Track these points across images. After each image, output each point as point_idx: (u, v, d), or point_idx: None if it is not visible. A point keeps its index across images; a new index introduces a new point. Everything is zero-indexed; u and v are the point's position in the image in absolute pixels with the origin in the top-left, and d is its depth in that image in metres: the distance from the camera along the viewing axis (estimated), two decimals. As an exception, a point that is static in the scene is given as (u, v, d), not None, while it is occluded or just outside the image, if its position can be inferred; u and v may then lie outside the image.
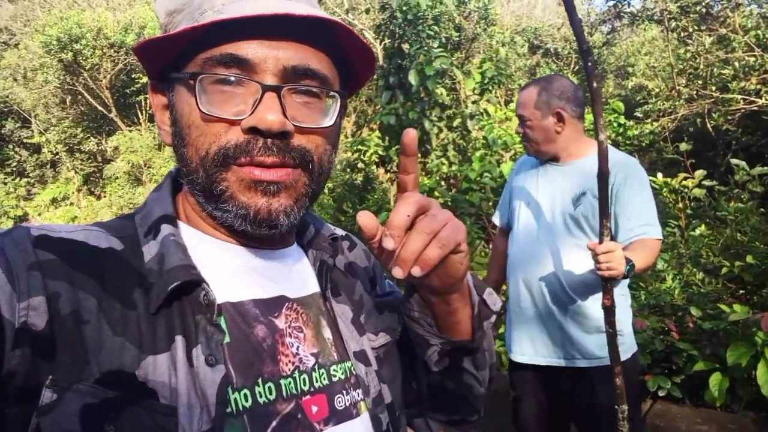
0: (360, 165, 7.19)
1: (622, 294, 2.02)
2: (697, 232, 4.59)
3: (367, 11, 8.45)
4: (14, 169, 17.47)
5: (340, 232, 0.84)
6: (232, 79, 0.57)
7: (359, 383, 0.68)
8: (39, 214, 16.26)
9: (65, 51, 14.56)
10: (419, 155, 5.08)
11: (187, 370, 0.55)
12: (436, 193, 4.97)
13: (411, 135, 0.58)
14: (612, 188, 1.89)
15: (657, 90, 9.74)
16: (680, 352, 3.07)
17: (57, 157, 17.20)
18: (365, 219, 0.55)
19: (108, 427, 0.50)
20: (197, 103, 0.57)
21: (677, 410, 3.05)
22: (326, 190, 9.68)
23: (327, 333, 0.69)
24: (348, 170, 8.76)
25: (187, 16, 0.60)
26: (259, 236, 0.62)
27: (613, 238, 1.92)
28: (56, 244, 0.56)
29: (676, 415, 3.01)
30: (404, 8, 5.08)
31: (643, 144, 8.46)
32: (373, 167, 7.33)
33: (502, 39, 12.02)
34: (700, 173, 4.99)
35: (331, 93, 0.62)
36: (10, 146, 17.47)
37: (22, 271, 0.52)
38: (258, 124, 0.57)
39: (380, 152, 5.71)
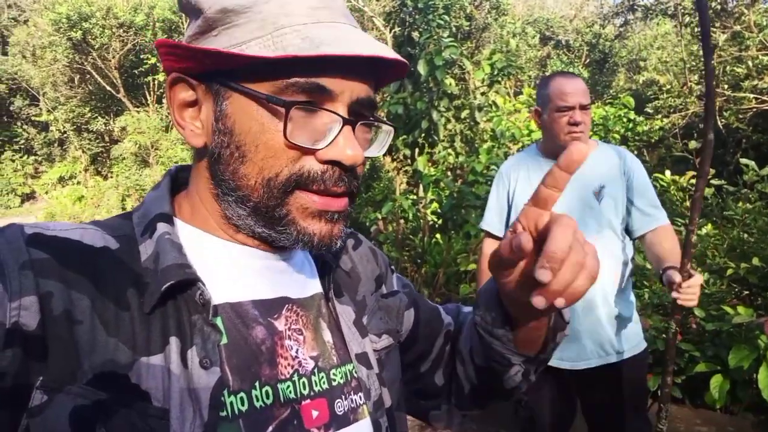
0: (366, 153, 7.16)
1: (627, 281, 2.04)
2: (704, 231, 4.56)
3: (378, -2, 8.38)
4: (22, 146, 17.55)
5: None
6: (316, 109, 0.58)
7: (360, 387, 0.67)
8: (46, 192, 16.35)
9: (74, 29, 14.53)
10: (426, 146, 5.06)
11: (181, 372, 0.54)
12: (442, 184, 4.96)
13: (583, 153, 0.55)
14: (627, 178, 1.99)
15: (668, 86, 9.65)
16: (682, 353, 3.06)
17: (65, 135, 17.25)
18: (525, 241, 0.54)
19: (99, 429, 0.49)
20: (285, 131, 0.56)
21: (677, 410, 3.05)
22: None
23: (327, 336, 0.68)
24: (354, 158, 8.75)
25: (248, 21, 0.57)
26: (263, 240, 0.63)
27: (628, 229, 2.00)
28: (50, 243, 0.55)
29: (675, 415, 3.01)
30: (415, -4, 5.03)
31: (653, 140, 8.40)
32: (380, 156, 7.32)
33: (513, 29, 11.92)
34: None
35: (385, 127, 0.66)
36: (18, 123, 17.54)
37: (14, 270, 0.51)
38: (342, 158, 0.58)
39: (387, 141, 5.68)
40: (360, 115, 0.60)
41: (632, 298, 2.08)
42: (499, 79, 5.39)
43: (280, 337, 0.63)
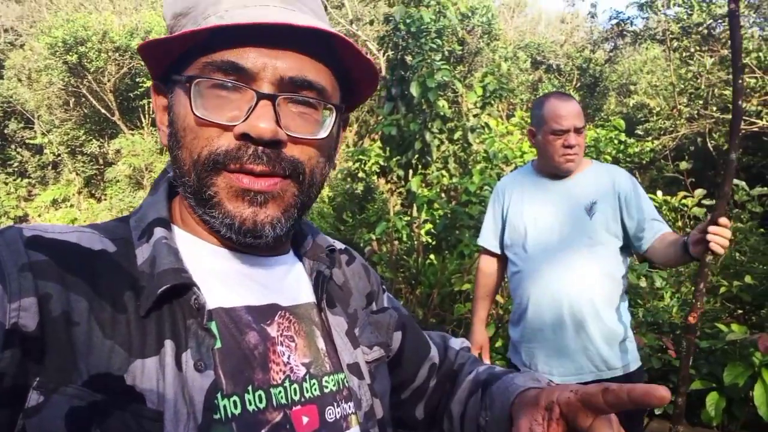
0: (360, 175, 7.20)
1: (622, 298, 2.04)
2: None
3: (371, 22, 8.50)
4: (16, 169, 17.50)
5: (339, 245, 0.83)
6: (229, 84, 0.58)
7: (351, 396, 0.67)
8: (39, 215, 16.26)
9: (70, 53, 14.63)
10: (420, 167, 5.09)
11: (176, 375, 0.54)
12: (436, 205, 4.97)
13: (664, 398, 0.51)
14: (620, 195, 2.00)
15: (658, 108, 9.79)
16: (677, 371, 3.05)
17: (59, 158, 17.22)
18: None
19: (94, 430, 0.50)
20: (191, 106, 0.57)
21: (673, 430, 3.02)
22: (326, 199, 9.69)
23: (321, 343, 0.68)
24: (348, 180, 8.77)
25: (192, 20, 0.60)
26: (246, 245, 0.62)
27: (627, 244, 2.01)
28: (49, 245, 0.55)
29: (671, 434, 2.98)
30: (408, 21, 5.10)
31: (644, 161, 8.49)
32: (374, 177, 7.34)
33: (505, 54, 12.09)
34: (699, 192, 4.99)
35: (328, 105, 0.62)
36: (13, 146, 17.51)
37: (13, 272, 0.52)
38: (250, 131, 0.57)
39: (381, 162, 5.72)
40: (295, 94, 0.59)
41: (626, 315, 2.07)
42: (492, 101, 5.45)
43: (273, 343, 0.63)
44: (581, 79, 14.57)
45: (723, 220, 1.66)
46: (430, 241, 5.50)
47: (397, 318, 0.83)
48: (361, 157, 6.03)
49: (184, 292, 0.57)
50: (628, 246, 2.03)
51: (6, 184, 16.98)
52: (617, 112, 12.88)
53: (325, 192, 10.63)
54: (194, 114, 0.57)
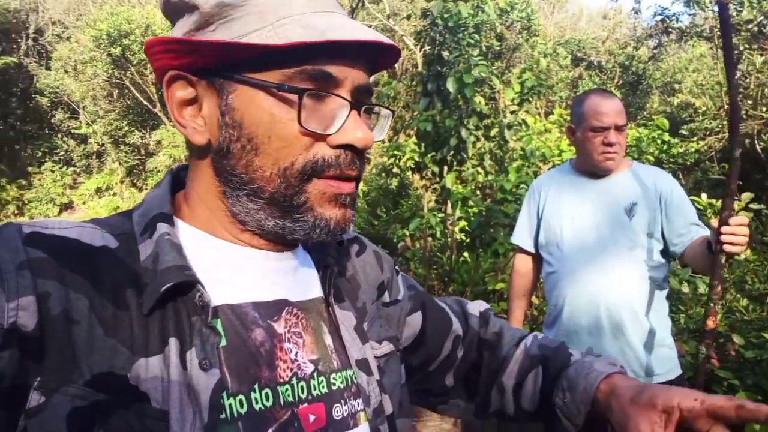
0: (395, 170, 7.18)
1: (661, 303, 1.98)
2: (742, 256, 4.41)
3: (408, 17, 8.47)
4: (62, 158, 18.09)
5: (348, 235, 0.82)
6: (325, 94, 0.59)
7: (359, 392, 0.66)
8: (83, 203, 16.79)
9: (114, 46, 15.01)
10: (455, 163, 5.04)
11: (180, 374, 0.53)
12: (471, 202, 4.92)
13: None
14: (661, 197, 1.94)
15: (704, 108, 9.47)
16: (720, 381, 2.95)
17: (103, 148, 17.73)
18: None
19: (97, 430, 0.49)
20: (299, 118, 0.57)
21: (712, 441, 2.92)
22: (360, 194, 9.71)
23: (328, 340, 0.67)
24: (383, 175, 8.77)
25: (254, 17, 0.57)
26: (276, 242, 0.64)
27: (666, 248, 1.93)
28: (48, 242, 0.54)
29: (711, 446, 2.88)
30: (445, 15, 5.05)
31: (688, 163, 8.23)
32: (409, 173, 7.31)
33: (544, 50, 11.87)
34: (746, 195, 4.78)
35: (384, 111, 0.68)
36: (59, 135, 18.11)
37: (11, 270, 0.51)
38: (354, 141, 0.60)
39: (416, 158, 5.69)
40: (360, 101, 0.61)
41: (667, 321, 2.01)
42: (530, 98, 5.35)
43: (280, 340, 0.62)
44: (623, 76, 14.21)
45: (734, 219, 1.60)
46: (464, 238, 5.45)
47: (410, 305, 0.84)
48: (395, 152, 6.01)
49: (188, 290, 0.56)
50: (669, 249, 1.97)
51: (53, 171, 17.58)
52: (661, 111, 12.52)
53: (360, 187, 10.64)
54: (302, 126, 0.57)
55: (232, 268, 0.62)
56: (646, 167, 2.07)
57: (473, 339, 0.88)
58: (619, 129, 1.93)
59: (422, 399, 0.89)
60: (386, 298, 0.80)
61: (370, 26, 13.53)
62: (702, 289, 3.71)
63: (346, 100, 0.59)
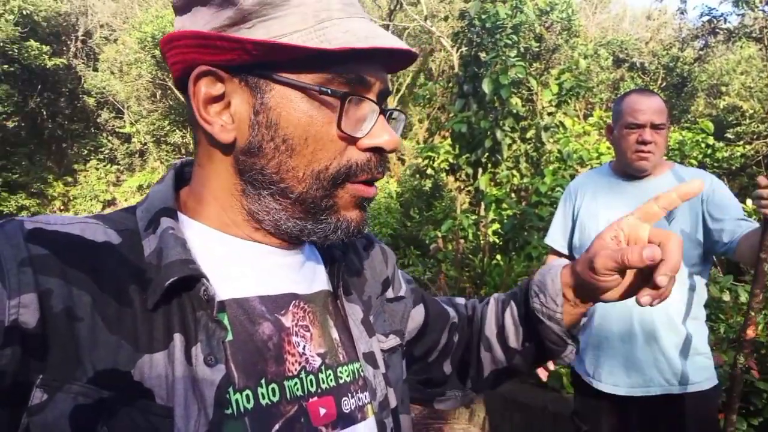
0: (429, 171, 7.17)
1: (699, 310, 1.91)
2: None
3: (446, 18, 8.43)
4: (106, 156, 18.70)
5: None
6: (361, 98, 0.60)
7: (366, 386, 0.66)
8: (126, 200, 17.31)
9: (158, 48, 15.42)
10: (489, 165, 4.99)
11: (185, 370, 0.53)
12: (505, 205, 4.87)
13: (700, 188, 0.64)
14: (702, 198, 1.86)
15: (752, 111, 9.13)
16: (760, 393, 2.83)
17: (145, 147, 18.25)
18: (657, 254, 0.64)
19: (101, 428, 0.49)
20: (339, 122, 0.58)
21: (752, 456, 2.81)
22: (394, 195, 9.71)
23: (335, 333, 0.67)
24: (417, 176, 8.75)
25: (296, 18, 0.56)
26: (281, 238, 0.64)
27: (711, 251, 1.86)
28: (50, 238, 0.54)
29: (750, 461, 2.77)
30: (483, 16, 5.01)
31: (733, 167, 7.94)
32: (443, 174, 7.28)
33: (585, 51, 11.65)
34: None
35: (403, 116, 0.70)
36: (104, 134, 18.72)
37: (12, 267, 0.50)
38: (384, 144, 0.61)
39: (450, 160, 5.66)
40: (381, 104, 0.63)
41: (704, 329, 1.94)
42: (568, 99, 5.26)
43: (287, 334, 0.61)
44: (667, 78, 13.82)
45: (762, 179, 1.53)
46: (497, 241, 5.40)
47: (413, 299, 0.86)
48: (430, 153, 6.00)
49: (193, 284, 0.56)
50: (711, 254, 1.89)
51: (97, 169, 18.18)
52: (706, 114, 12.13)
53: (393, 187, 10.65)
54: (341, 130, 0.58)
55: (239, 263, 0.62)
56: (687, 169, 2.00)
57: (464, 323, 0.91)
58: (656, 128, 1.87)
59: (422, 392, 0.90)
60: (390, 293, 0.81)
61: (407, 28, 13.48)
62: (743, 297, 3.58)
63: (376, 104, 0.61)
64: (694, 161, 7.03)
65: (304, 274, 0.68)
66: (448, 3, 12.74)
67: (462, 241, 5.27)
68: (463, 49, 5.68)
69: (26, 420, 0.48)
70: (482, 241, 5.10)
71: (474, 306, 0.93)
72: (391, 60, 0.63)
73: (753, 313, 1.62)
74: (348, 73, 0.58)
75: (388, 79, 0.64)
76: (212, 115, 0.60)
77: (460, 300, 0.95)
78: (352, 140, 0.60)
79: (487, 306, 0.90)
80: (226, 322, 0.57)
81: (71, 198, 17.68)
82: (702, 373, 1.86)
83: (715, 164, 7.37)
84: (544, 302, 0.78)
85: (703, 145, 7.08)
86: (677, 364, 1.85)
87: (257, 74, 0.58)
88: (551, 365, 2.18)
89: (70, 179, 18.14)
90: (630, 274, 0.71)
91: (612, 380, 1.92)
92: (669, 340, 1.85)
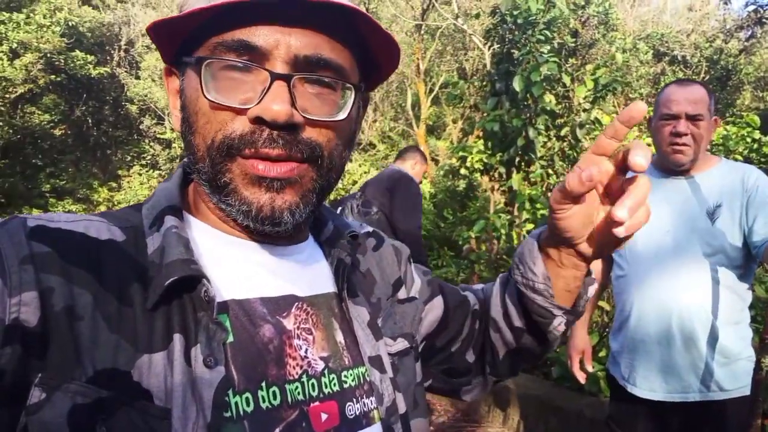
0: (462, 171, 7.10)
1: (741, 312, 1.83)
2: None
3: (477, 16, 8.33)
4: (149, 161, 19.23)
5: (364, 229, 0.80)
6: (241, 65, 0.55)
7: (372, 390, 0.64)
8: (166, 204, 17.82)
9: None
10: (523, 164, 4.91)
11: (184, 371, 0.52)
12: (539, 204, 4.77)
13: (642, 111, 0.58)
14: (746, 193, 1.78)
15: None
16: (811, 400, 2.69)
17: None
18: (595, 172, 0.58)
19: (99, 428, 0.48)
20: (202, 90, 0.55)
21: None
22: (427, 196, 9.66)
23: (339, 336, 0.65)
24: (450, 176, 8.69)
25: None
26: (264, 233, 0.60)
27: (752, 249, 1.76)
28: (52, 236, 0.54)
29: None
30: (514, 12, 4.92)
31: (782, 163, 7.59)
32: (477, 174, 7.20)
33: (623, 45, 11.35)
34: None
35: (347, 85, 0.59)
36: (146, 141, 19.27)
37: (14, 265, 0.50)
38: (263, 114, 0.54)
39: (484, 159, 5.58)
40: (307, 71, 0.56)
41: (747, 332, 1.85)
42: (604, 95, 5.13)
43: (289, 336, 0.60)
44: (711, 71, 13.34)
45: None
46: (531, 241, 5.29)
47: (431, 288, 0.83)
48: (463, 153, 5.93)
49: (194, 285, 0.55)
50: (756, 255, 1.80)
51: (140, 174, 18.71)
52: (753, 108, 11.66)
53: (426, 188, 10.60)
54: (206, 97, 0.55)
55: (239, 263, 0.61)
56: (735, 164, 1.89)
57: (482, 308, 0.88)
58: (692, 119, 1.78)
59: (446, 384, 0.87)
60: (402, 294, 0.78)
61: (440, 27, 13.40)
62: (792, 298, 3.41)
63: (265, 70, 0.54)
64: (739, 156, 6.76)
65: (307, 274, 0.66)
66: (480, 0, 12.62)
67: (495, 241, 5.20)
68: (496, 46, 5.60)
69: (24, 419, 0.47)
70: (516, 242, 5.01)
71: (486, 289, 0.90)
72: (340, 26, 0.57)
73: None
74: (232, 39, 0.55)
75: (317, 44, 0.56)
76: (177, 107, 0.62)
77: (478, 286, 0.92)
78: (239, 111, 0.55)
79: (493, 286, 0.87)
80: (227, 323, 0.57)
81: (116, 203, 18.26)
82: (744, 378, 1.78)
83: (762, 159, 7.06)
84: (524, 272, 0.73)
85: (749, 140, 6.80)
86: (717, 370, 1.77)
87: (178, 62, 0.61)
88: (589, 367, 2.12)
89: (114, 185, 18.73)
90: (593, 212, 0.65)
91: (647, 385, 1.85)
92: (709, 344, 1.78)
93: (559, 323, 0.75)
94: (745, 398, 1.76)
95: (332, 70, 0.57)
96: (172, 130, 18.27)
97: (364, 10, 0.57)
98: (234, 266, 0.61)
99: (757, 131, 6.86)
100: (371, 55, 0.63)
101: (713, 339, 1.78)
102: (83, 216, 0.58)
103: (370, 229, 0.81)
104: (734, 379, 1.77)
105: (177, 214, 0.60)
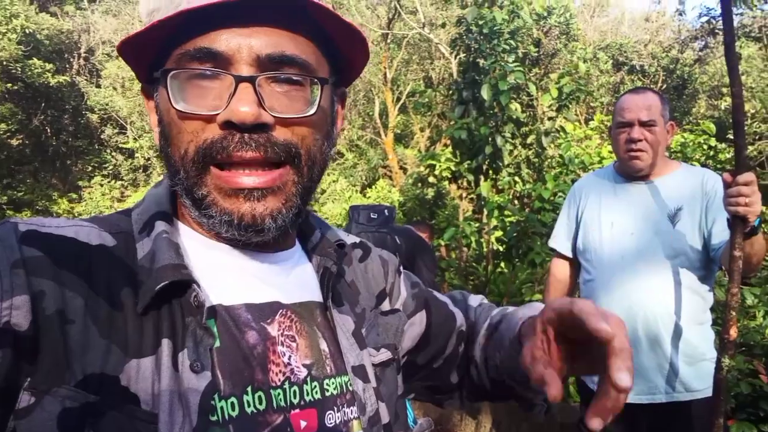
0: (431, 179, 7.15)
1: (704, 314, 1.89)
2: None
3: (443, 25, 8.43)
4: (110, 172, 18.78)
5: (351, 239, 0.80)
6: (207, 73, 0.55)
7: (354, 400, 0.64)
8: (129, 215, 17.42)
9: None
10: (491, 172, 4.97)
11: (171, 376, 0.52)
12: (507, 212, 4.84)
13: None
14: (705, 197, 1.84)
15: (753, 111, 9.09)
16: (769, 398, 2.79)
17: (149, 162, 18.32)
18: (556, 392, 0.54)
19: (87, 431, 0.48)
20: (170, 101, 0.55)
21: (764, 462, 2.76)
22: (397, 204, 9.69)
23: (323, 345, 0.65)
24: (419, 185, 8.74)
25: (163, 12, 0.56)
26: (249, 241, 0.60)
27: (713, 253, 1.81)
28: (43, 241, 0.54)
29: (762, 467, 2.72)
30: (480, 22, 5.00)
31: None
32: (445, 183, 7.27)
33: (584, 55, 11.64)
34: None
35: (315, 80, 0.59)
36: (108, 151, 18.81)
37: (5, 269, 0.50)
38: (231, 117, 0.54)
39: (452, 167, 5.64)
40: (274, 71, 0.56)
41: (710, 334, 1.92)
42: (568, 104, 5.24)
43: (273, 343, 0.60)
44: (667, 80, 13.80)
45: (741, 176, 1.50)
46: (500, 248, 5.36)
47: (416, 302, 0.82)
48: (431, 161, 5.98)
49: (184, 290, 0.55)
50: (714, 257, 1.86)
51: (101, 185, 18.25)
52: (707, 115, 12.10)
53: (396, 196, 10.63)
54: (174, 108, 0.55)
55: (226, 270, 0.61)
56: (695, 169, 1.97)
57: (471, 329, 0.86)
58: (645, 125, 1.85)
59: (429, 398, 0.88)
60: (386, 306, 0.78)
61: (406, 36, 13.52)
62: (750, 300, 3.53)
63: (229, 74, 0.54)
64: (696, 163, 6.99)
65: (292, 282, 0.66)
66: (445, 10, 12.79)
67: (465, 249, 5.24)
68: (462, 55, 5.67)
69: (13, 423, 0.48)
70: (485, 249, 5.07)
71: (478, 313, 0.88)
72: (270, 19, 0.56)
73: (734, 313, 1.58)
74: (194, 48, 0.55)
75: (279, 42, 0.56)
76: (155, 123, 0.62)
77: (474, 302, 0.90)
78: (208, 119, 0.55)
79: (483, 325, 0.84)
80: (214, 328, 0.57)
81: (76, 215, 17.76)
82: (708, 378, 1.83)
83: (718, 165, 7.32)
84: (503, 360, 0.72)
85: (705, 147, 7.05)
86: (682, 371, 1.82)
87: (151, 80, 0.61)
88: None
89: (74, 196, 18.21)
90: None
91: (646, 388, 1.88)
92: (674, 345, 1.82)
93: (539, 410, 0.75)
94: (710, 399, 1.81)
95: (297, 67, 0.57)
96: (135, 139, 17.91)
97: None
98: (220, 272, 0.61)
99: (713, 138, 7.11)
100: (339, 48, 0.63)
101: (677, 340, 1.83)
102: (74, 221, 0.58)
103: (357, 239, 0.81)
104: (699, 379, 1.82)
105: (167, 219, 0.60)
